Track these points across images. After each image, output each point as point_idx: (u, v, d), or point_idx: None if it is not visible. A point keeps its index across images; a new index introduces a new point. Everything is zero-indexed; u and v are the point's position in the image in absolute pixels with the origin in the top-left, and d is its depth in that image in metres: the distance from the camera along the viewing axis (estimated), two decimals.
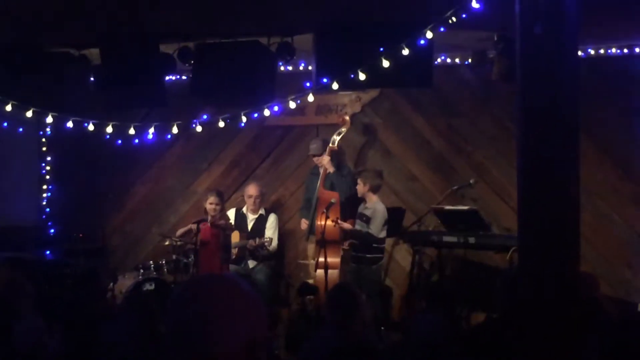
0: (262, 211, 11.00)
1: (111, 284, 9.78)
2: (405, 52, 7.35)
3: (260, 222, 10.94)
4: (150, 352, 5.57)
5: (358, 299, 6.27)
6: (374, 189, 9.98)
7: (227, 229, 10.50)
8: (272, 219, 10.99)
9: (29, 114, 8.56)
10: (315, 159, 10.74)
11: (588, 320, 4.96)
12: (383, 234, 9.90)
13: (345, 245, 10.07)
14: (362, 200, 10.10)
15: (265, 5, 7.72)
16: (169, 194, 12.33)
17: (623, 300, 9.32)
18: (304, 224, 10.74)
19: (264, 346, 2.15)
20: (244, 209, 11.04)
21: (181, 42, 8.74)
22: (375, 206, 9.89)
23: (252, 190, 10.93)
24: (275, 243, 10.82)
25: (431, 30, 7.17)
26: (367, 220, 9.84)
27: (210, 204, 10.48)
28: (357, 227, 9.93)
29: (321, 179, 10.42)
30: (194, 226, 10.26)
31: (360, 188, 9.98)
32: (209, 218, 10.39)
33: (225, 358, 2.11)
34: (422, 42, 7.27)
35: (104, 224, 12.30)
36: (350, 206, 10.30)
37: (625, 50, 10.05)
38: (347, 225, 9.87)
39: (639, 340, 4.76)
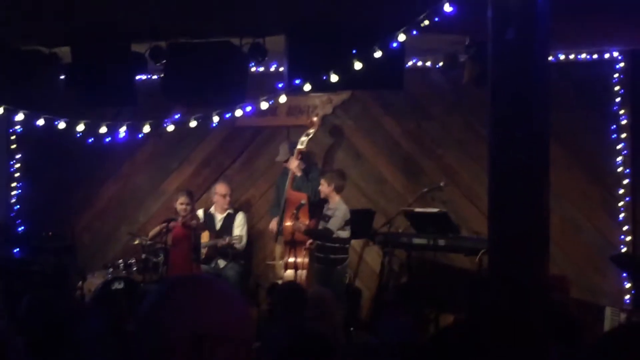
0: (230, 210, 11.00)
1: (80, 283, 9.75)
2: (378, 54, 7.36)
3: (229, 220, 10.95)
4: (118, 351, 5.55)
5: (305, 296, 6.35)
6: (338, 189, 10.02)
7: (198, 228, 10.44)
8: (240, 217, 11.00)
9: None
10: (284, 163, 10.76)
11: (555, 322, 5.00)
12: (346, 234, 9.94)
13: (307, 245, 10.10)
14: (326, 201, 10.13)
15: (237, 6, 7.71)
16: (139, 192, 12.27)
17: (590, 303, 9.40)
18: (274, 223, 10.74)
19: (218, 344, 2.12)
20: (212, 209, 11.05)
21: (153, 42, 8.71)
22: (337, 206, 9.94)
23: (223, 189, 10.94)
24: (244, 240, 10.84)
25: (404, 33, 7.19)
26: (329, 219, 9.89)
27: (181, 204, 10.39)
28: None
29: (289, 180, 10.47)
30: (164, 226, 10.22)
31: (325, 188, 10.01)
32: (180, 218, 10.33)
33: (167, 351, 2.09)
34: (395, 44, 7.29)
35: (74, 222, 12.16)
36: (317, 209, 10.33)
37: (595, 56, 10.17)
38: (303, 224, 9.93)
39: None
